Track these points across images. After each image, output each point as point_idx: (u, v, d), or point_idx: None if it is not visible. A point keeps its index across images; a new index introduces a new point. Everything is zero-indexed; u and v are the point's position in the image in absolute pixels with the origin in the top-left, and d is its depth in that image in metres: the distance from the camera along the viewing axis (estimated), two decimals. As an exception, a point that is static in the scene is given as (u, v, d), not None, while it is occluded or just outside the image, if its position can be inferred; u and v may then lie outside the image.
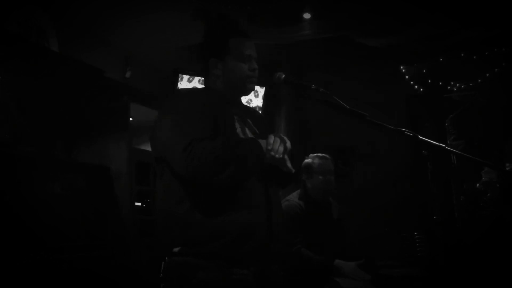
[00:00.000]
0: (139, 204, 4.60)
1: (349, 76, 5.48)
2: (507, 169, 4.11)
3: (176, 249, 1.72)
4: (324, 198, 3.38)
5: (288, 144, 1.80)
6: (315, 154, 3.44)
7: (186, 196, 1.74)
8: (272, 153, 1.73)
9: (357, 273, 2.97)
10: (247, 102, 5.18)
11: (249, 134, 1.92)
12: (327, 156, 3.44)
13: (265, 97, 5.31)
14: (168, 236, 1.77)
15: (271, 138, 1.75)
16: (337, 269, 3.00)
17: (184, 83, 4.91)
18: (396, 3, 4.15)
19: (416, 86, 5.47)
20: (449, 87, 5.39)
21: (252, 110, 2.23)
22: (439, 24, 4.58)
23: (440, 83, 5.37)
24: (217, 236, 1.69)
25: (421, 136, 1.72)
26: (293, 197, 3.36)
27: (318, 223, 3.27)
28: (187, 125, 1.72)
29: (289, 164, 1.81)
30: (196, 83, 4.96)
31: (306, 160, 3.43)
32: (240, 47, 1.97)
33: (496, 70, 5.10)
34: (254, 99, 5.25)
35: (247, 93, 2.09)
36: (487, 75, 5.16)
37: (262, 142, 1.76)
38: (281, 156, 1.75)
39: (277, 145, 1.74)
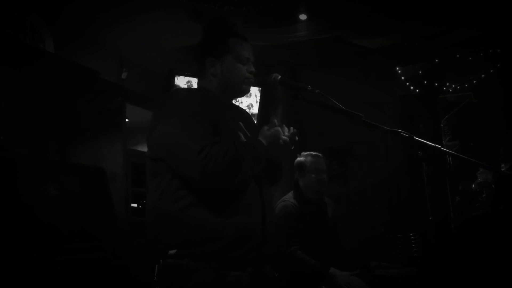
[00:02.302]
0: (135, 205, 4.60)
1: (345, 76, 5.48)
2: (502, 169, 4.11)
3: (172, 252, 1.70)
4: (317, 196, 3.37)
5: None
6: (308, 153, 3.44)
7: (183, 197, 1.73)
8: (287, 133, 1.83)
9: (350, 284, 2.97)
10: (248, 106, 5.20)
11: (242, 138, 1.92)
12: (320, 154, 3.44)
13: (261, 99, 5.31)
14: (163, 237, 1.74)
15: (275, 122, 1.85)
16: (332, 277, 3.00)
17: (181, 79, 4.88)
18: (392, 1, 4.16)
19: (411, 87, 5.48)
20: (444, 88, 5.40)
21: (245, 113, 2.23)
22: (434, 22, 4.59)
23: (436, 84, 5.39)
24: (213, 238, 1.68)
25: (416, 136, 1.72)
26: (289, 197, 3.36)
27: (313, 222, 3.27)
28: (194, 128, 1.71)
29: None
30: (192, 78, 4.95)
31: (299, 159, 3.43)
32: (239, 48, 1.97)
33: (491, 71, 5.12)
34: (247, 98, 5.25)
35: (241, 95, 2.09)
36: (483, 76, 5.18)
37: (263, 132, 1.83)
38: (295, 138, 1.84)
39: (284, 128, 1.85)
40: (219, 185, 1.69)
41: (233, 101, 2.17)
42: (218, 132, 1.77)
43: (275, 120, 1.86)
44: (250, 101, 5.27)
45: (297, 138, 1.87)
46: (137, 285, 3.25)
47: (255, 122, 2.21)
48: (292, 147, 1.87)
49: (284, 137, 1.83)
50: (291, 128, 1.88)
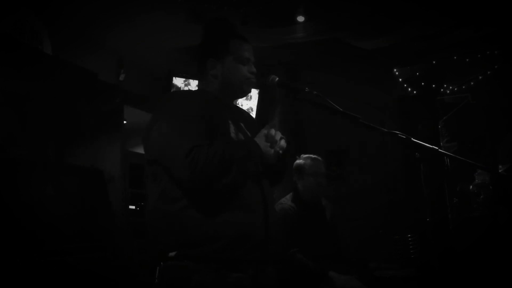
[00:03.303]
0: (133, 207, 4.60)
1: (345, 76, 5.50)
2: (500, 170, 4.13)
3: (172, 254, 1.70)
4: (315, 199, 3.38)
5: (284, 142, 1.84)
6: (307, 155, 3.43)
7: (181, 197, 1.72)
8: (271, 143, 1.76)
9: None
10: (248, 109, 5.19)
11: (242, 138, 1.91)
12: (319, 157, 3.43)
13: (259, 100, 5.32)
14: (163, 238, 1.74)
15: (272, 131, 1.79)
16: (330, 281, 3.01)
17: (179, 80, 4.89)
18: (392, 1, 4.17)
19: (409, 89, 5.50)
20: (442, 90, 5.42)
21: (245, 113, 2.22)
22: (434, 22, 4.60)
23: (433, 85, 5.40)
24: (213, 238, 1.68)
25: (415, 137, 1.73)
26: (287, 200, 3.35)
27: (311, 224, 3.27)
28: (187, 130, 1.71)
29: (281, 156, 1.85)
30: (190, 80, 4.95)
31: (298, 161, 3.42)
32: (240, 49, 1.97)
33: (488, 72, 5.13)
34: (248, 102, 5.25)
35: (243, 96, 2.09)
36: (480, 77, 5.20)
37: (260, 135, 1.79)
38: (279, 148, 1.79)
39: (278, 136, 1.79)
40: (207, 186, 1.68)
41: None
42: (215, 133, 1.77)
43: (273, 130, 1.81)
44: (250, 105, 5.26)
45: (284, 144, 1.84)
46: (137, 285, 3.25)
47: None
48: (279, 152, 1.83)
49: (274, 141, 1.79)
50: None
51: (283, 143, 1.82)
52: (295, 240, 3.11)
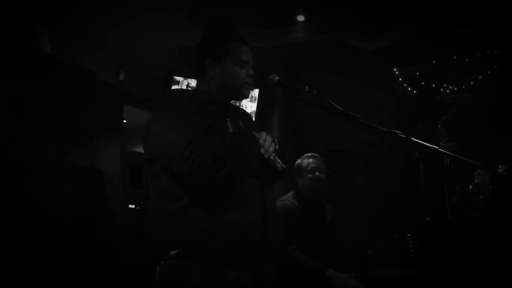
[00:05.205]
0: (132, 206, 4.60)
1: (344, 76, 5.50)
2: (500, 170, 4.13)
3: (173, 252, 1.70)
4: (316, 197, 3.39)
5: (277, 146, 1.82)
6: (305, 154, 3.49)
7: (182, 196, 1.72)
8: (262, 151, 1.76)
9: (347, 286, 2.99)
10: (251, 112, 5.17)
11: None
12: (316, 155, 3.48)
13: (259, 100, 5.31)
14: (163, 238, 1.74)
15: (263, 135, 1.79)
16: (329, 279, 3.02)
17: (179, 80, 4.88)
18: (392, 1, 4.17)
19: (409, 88, 5.50)
20: (441, 89, 5.42)
21: (245, 113, 2.22)
22: (434, 22, 4.60)
23: (433, 85, 5.40)
24: (213, 238, 1.68)
25: (414, 137, 1.73)
26: (288, 197, 3.38)
27: (311, 223, 3.29)
28: (185, 127, 1.71)
29: (278, 163, 1.86)
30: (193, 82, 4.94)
31: (297, 161, 3.48)
32: (238, 51, 1.97)
33: (488, 72, 5.14)
34: (252, 103, 5.24)
35: (241, 99, 2.08)
36: (480, 77, 5.20)
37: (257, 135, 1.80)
38: (270, 155, 1.78)
39: (268, 143, 1.78)
40: (205, 179, 1.67)
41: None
42: (213, 132, 1.77)
43: (264, 134, 1.82)
44: (255, 108, 5.24)
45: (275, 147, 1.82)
46: (137, 285, 3.26)
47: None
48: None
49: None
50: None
51: (271, 149, 1.79)
52: (295, 237, 3.12)
